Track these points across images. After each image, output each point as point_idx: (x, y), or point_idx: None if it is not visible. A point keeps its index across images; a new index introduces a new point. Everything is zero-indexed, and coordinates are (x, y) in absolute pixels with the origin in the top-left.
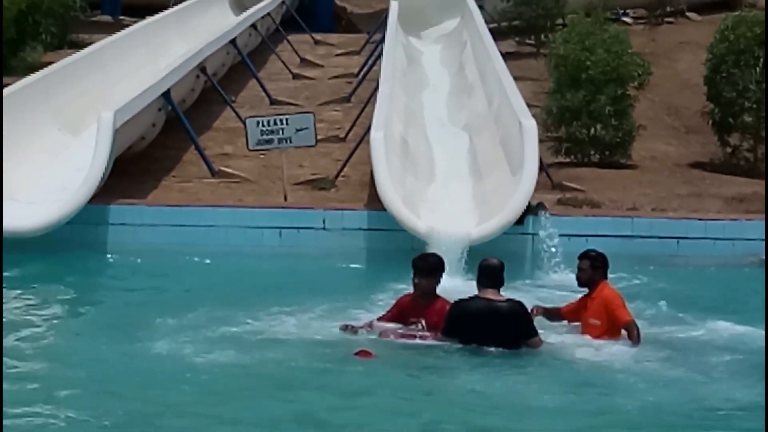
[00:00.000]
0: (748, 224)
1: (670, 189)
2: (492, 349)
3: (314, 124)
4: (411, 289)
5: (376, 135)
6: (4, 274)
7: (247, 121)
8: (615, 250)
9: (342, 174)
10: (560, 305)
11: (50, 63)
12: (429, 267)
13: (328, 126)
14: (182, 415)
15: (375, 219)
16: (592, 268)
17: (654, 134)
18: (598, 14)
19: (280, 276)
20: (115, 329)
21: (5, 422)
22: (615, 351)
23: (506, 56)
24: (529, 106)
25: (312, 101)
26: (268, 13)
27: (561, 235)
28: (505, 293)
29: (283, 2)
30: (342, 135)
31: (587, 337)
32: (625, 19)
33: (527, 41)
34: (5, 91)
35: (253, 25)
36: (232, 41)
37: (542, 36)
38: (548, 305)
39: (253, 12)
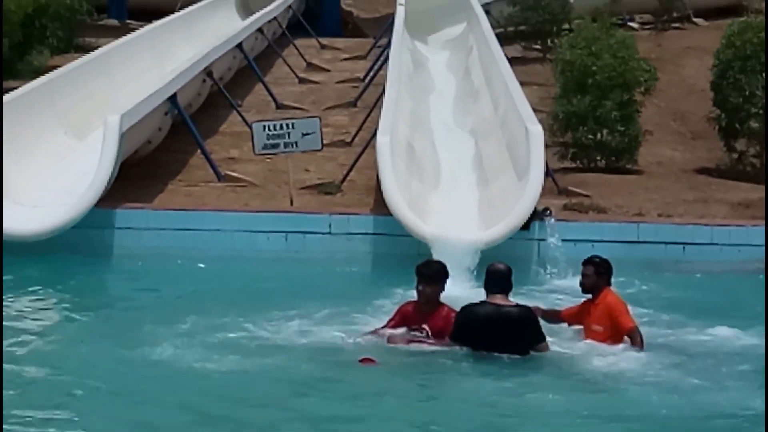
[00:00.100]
0: (754, 230)
1: (677, 195)
2: (500, 354)
3: (320, 129)
4: (415, 296)
5: (382, 139)
6: (9, 277)
7: (254, 125)
8: (621, 255)
9: (348, 178)
10: (560, 308)
11: (56, 67)
12: (433, 274)
13: (334, 130)
14: (181, 422)
15: (381, 224)
16: (597, 274)
17: (660, 140)
18: (605, 19)
19: (285, 281)
20: (118, 334)
21: (4, 427)
22: (622, 357)
23: (512, 61)
24: (535, 111)
25: (318, 105)
26: (275, 18)
27: (567, 241)
28: (513, 299)
29: (289, 7)
30: (348, 139)
31: (592, 342)
32: (631, 24)
33: (533, 46)
34: (11, 95)
35: (260, 30)
36: (239, 45)
37: (548, 41)
38: (546, 308)
39: (259, 16)
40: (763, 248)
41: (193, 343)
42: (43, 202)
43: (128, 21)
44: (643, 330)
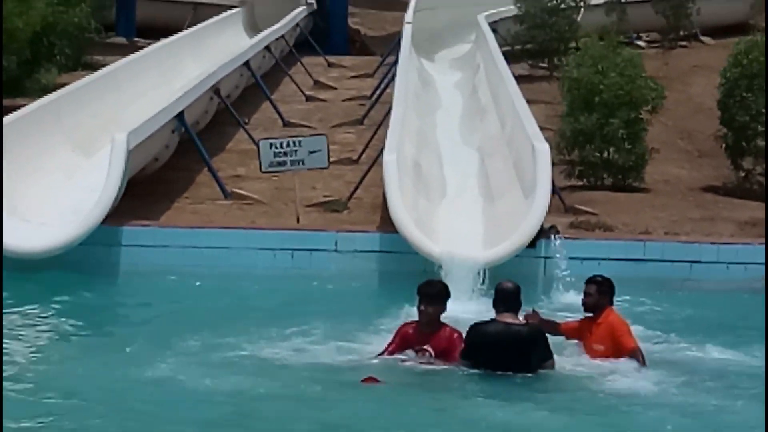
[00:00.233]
0: (761, 248)
1: (683, 213)
2: (508, 373)
3: (327, 147)
4: (412, 316)
5: (388, 157)
6: (15, 293)
7: (260, 143)
8: (627, 273)
9: (354, 196)
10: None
11: (64, 84)
12: (435, 294)
13: (340, 148)
14: None
15: (387, 241)
16: (599, 293)
17: (667, 158)
18: (612, 38)
19: (291, 298)
20: (119, 351)
21: None
22: (629, 376)
23: (519, 79)
24: (542, 129)
25: (325, 123)
26: (282, 36)
27: (573, 258)
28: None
29: (297, 25)
30: (355, 157)
31: (598, 360)
32: (638, 42)
33: (540, 64)
34: (19, 112)
35: (267, 48)
36: (246, 63)
37: (555, 59)
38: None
39: (267, 34)
40: None
41: (194, 361)
42: (50, 219)
43: (136, 39)
44: (650, 348)
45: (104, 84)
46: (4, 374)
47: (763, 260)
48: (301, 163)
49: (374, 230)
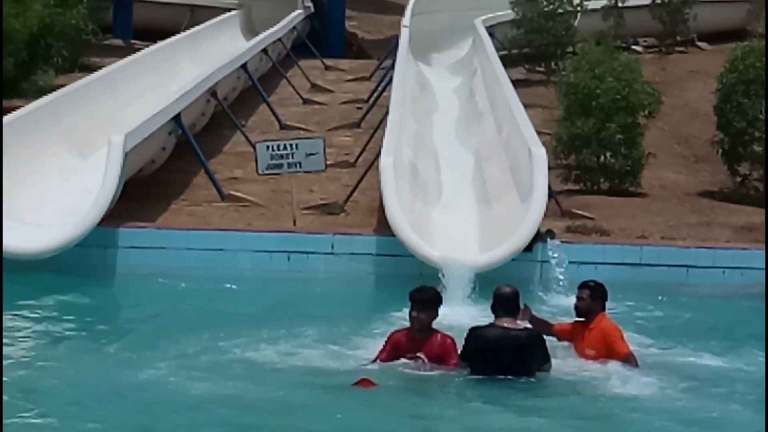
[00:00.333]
0: (757, 253)
1: (680, 217)
2: (506, 377)
3: (324, 149)
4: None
5: (385, 161)
6: (11, 294)
7: (257, 145)
8: (624, 278)
9: (351, 199)
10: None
11: (61, 86)
12: (428, 300)
13: (337, 151)
14: None
15: (384, 244)
16: (591, 297)
17: (664, 163)
18: (609, 43)
19: (286, 301)
20: (113, 354)
21: None
22: (625, 381)
23: (516, 83)
24: (538, 133)
25: (322, 126)
26: (279, 39)
27: (570, 263)
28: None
29: (294, 28)
30: (352, 160)
31: (594, 364)
32: (635, 47)
33: (537, 69)
34: (16, 113)
35: (264, 50)
36: (243, 66)
37: (552, 64)
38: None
39: (264, 37)
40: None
41: (188, 365)
42: (47, 220)
43: (133, 41)
44: (646, 353)
45: (101, 86)
46: None
47: (759, 265)
48: (298, 165)
49: (371, 233)
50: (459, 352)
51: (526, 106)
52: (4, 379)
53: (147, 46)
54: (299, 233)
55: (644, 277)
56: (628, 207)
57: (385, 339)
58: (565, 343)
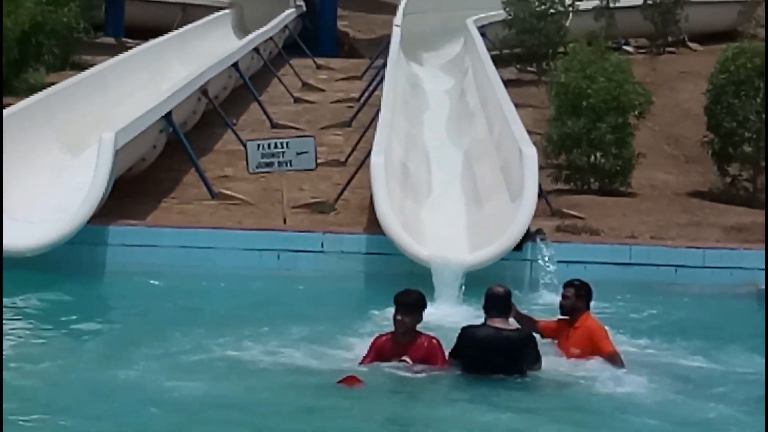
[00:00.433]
0: (746, 253)
1: (669, 217)
2: (496, 376)
3: (315, 148)
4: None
5: (376, 160)
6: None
7: (248, 144)
8: (613, 277)
9: (342, 198)
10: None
11: (53, 84)
12: (413, 303)
13: (328, 150)
14: None
15: (374, 243)
16: (576, 296)
17: (654, 163)
18: (600, 43)
19: (276, 299)
20: (100, 352)
21: None
22: (613, 381)
23: (507, 83)
24: (529, 133)
25: (313, 125)
26: (271, 38)
27: (559, 262)
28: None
29: (286, 27)
30: (342, 159)
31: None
32: (626, 48)
33: (528, 69)
34: (7, 111)
35: (256, 49)
36: (235, 64)
37: (543, 64)
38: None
39: (256, 36)
40: (754, 271)
41: (175, 363)
42: (38, 217)
43: (125, 39)
44: (634, 351)
45: (93, 84)
46: None
47: (748, 265)
48: (288, 164)
49: (361, 232)
50: (448, 351)
51: (517, 105)
52: None
53: (139, 44)
54: (289, 231)
55: (633, 276)
56: (618, 207)
57: (369, 344)
58: (548, 340)
